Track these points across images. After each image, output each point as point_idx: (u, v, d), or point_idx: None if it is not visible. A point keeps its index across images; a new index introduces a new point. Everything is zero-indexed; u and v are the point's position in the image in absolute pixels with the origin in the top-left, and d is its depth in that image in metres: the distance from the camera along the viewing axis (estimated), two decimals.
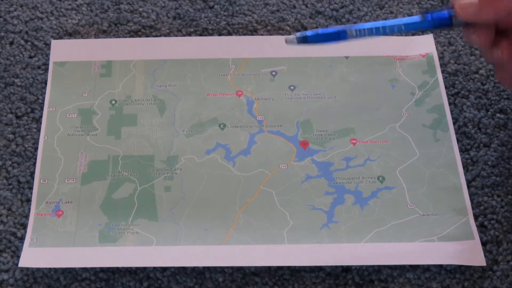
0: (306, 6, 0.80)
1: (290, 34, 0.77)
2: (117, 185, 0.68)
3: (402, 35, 0.77)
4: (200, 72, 0.75)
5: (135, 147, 0.70)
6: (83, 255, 0.64)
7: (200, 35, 0.78)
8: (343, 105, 0.73)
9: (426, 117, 0.72)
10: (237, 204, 0.67)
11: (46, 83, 0.74)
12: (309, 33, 0.64)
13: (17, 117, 0.72)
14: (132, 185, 0.68)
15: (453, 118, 0.72)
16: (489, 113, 0.73)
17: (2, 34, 0.77)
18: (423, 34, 0.78)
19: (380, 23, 0.64)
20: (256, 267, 0.64)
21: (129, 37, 0.77)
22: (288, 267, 0.64)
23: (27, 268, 0.64)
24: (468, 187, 0.68)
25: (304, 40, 0.64)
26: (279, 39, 0.77)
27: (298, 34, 0.64)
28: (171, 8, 0.79)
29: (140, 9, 0.79)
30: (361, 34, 0.64)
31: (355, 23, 0.78)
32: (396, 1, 0.80)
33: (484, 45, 0.63)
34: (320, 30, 0.65)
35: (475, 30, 0.63)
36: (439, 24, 0.64)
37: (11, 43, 0.77)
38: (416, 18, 0.64)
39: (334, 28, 0.64)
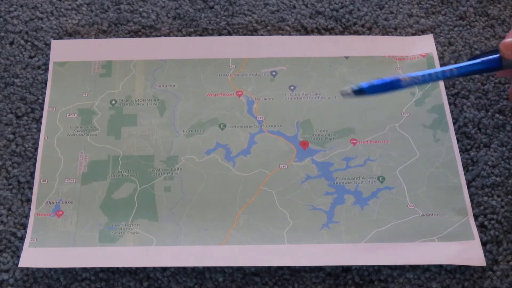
0: (306, 6, 0.80)
1: (290, 34, 0.77)
2: (117, 185, 0.68)
3: (402, 36, 0.77)
4: (200, 72, 0.75)
5: (135, 147, 0.70)
6: (83, 255, 0.64)
7: (200, 35, 0.78)
8: (343, 105, 0.73)
9: (426, 117, 0.72)
10: (237, 204, 0.67)
11: (46, 83, 0.74)
12: (364, 85, 0.64)
13: (17, 117, 0.72)
14: (132, 185, 0.68)
15: (453, 118, 0.72)
16: (489, 113, 0.72)
17: (2, 34, 0.77)
18: (423, 34, 0.78)
19: (432, 70, 0.66)
20: (256, 267, 0.64)
21: (129, 37, 0.77)
22: (288, 267, 0.64)
23: (27, 268, 0.64)
24: (468, 187, 0.68)
25: (360, 92, 0.64)
26: (279, 39, 0.77)
27: (354, 87, 0.64)
28: (171, 8, 0.79)
29: (140, 9, 0.79)
30: (414, 81, 0.65)
31: (355, 23, 0.78)
32: (396, 1, 0.80)
33: None
34: (374, 82, 0.65)
35: None
36: (489, 66, 0.66)
37: (11, 43, 0.77)
38: (469, 62, 0.66)
39: (388, 78, 0.65)
